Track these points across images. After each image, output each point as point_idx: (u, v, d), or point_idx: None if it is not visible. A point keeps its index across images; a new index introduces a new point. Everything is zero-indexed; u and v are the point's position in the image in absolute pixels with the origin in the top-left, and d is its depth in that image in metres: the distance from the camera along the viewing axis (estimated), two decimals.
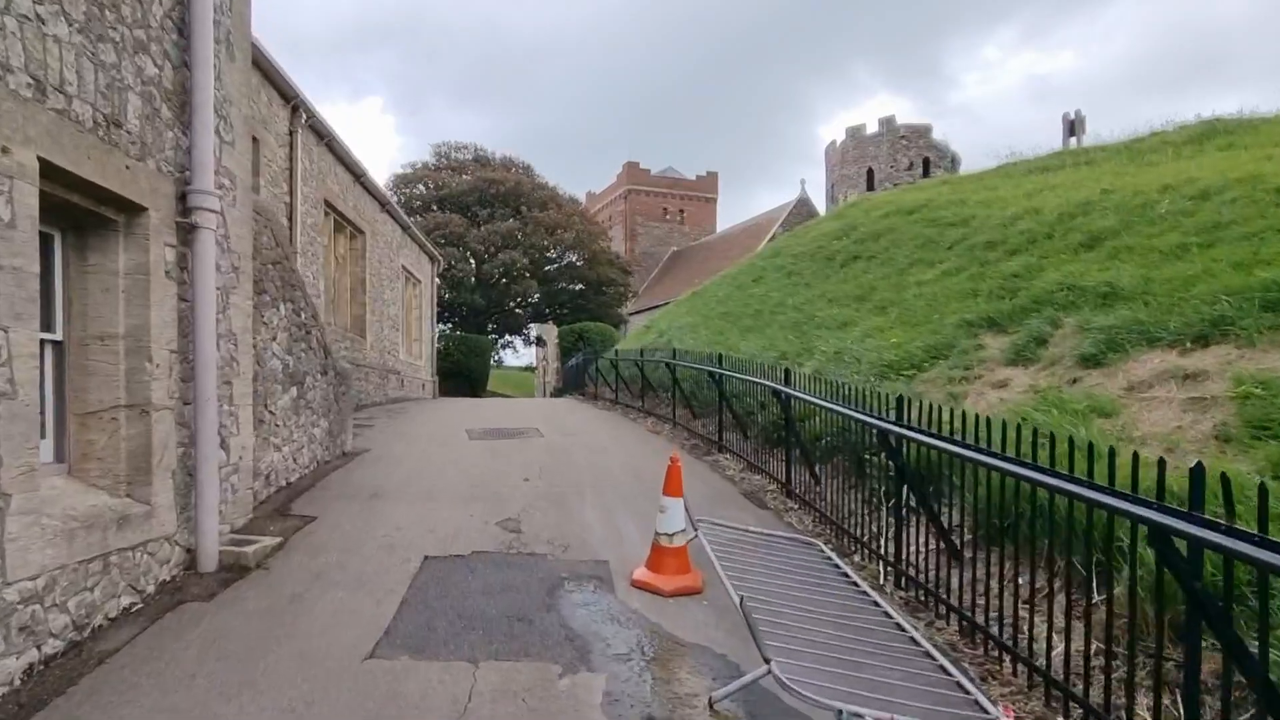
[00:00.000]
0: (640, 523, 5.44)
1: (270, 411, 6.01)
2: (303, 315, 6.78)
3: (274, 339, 6.09)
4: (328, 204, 12.70)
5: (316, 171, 12.08)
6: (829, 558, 4.76)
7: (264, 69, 9.90)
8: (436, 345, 31.10)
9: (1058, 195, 8.86)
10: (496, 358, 40.59)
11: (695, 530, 4.46)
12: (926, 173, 43.90)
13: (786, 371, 6.39)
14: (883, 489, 4.97)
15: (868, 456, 5.19)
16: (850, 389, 5.37)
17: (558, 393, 39.34)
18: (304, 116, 11.11)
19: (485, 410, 13.90)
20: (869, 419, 4.60)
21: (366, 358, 14.77)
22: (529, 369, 55.01)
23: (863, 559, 4.82)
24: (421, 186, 36.31)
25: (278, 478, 6.18)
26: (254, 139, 9.81)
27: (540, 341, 47.75)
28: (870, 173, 44.41)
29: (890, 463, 4.54)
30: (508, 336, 40.27)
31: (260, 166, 9.99)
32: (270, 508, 5.71)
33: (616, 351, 13.73)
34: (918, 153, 43.73)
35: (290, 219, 10.93)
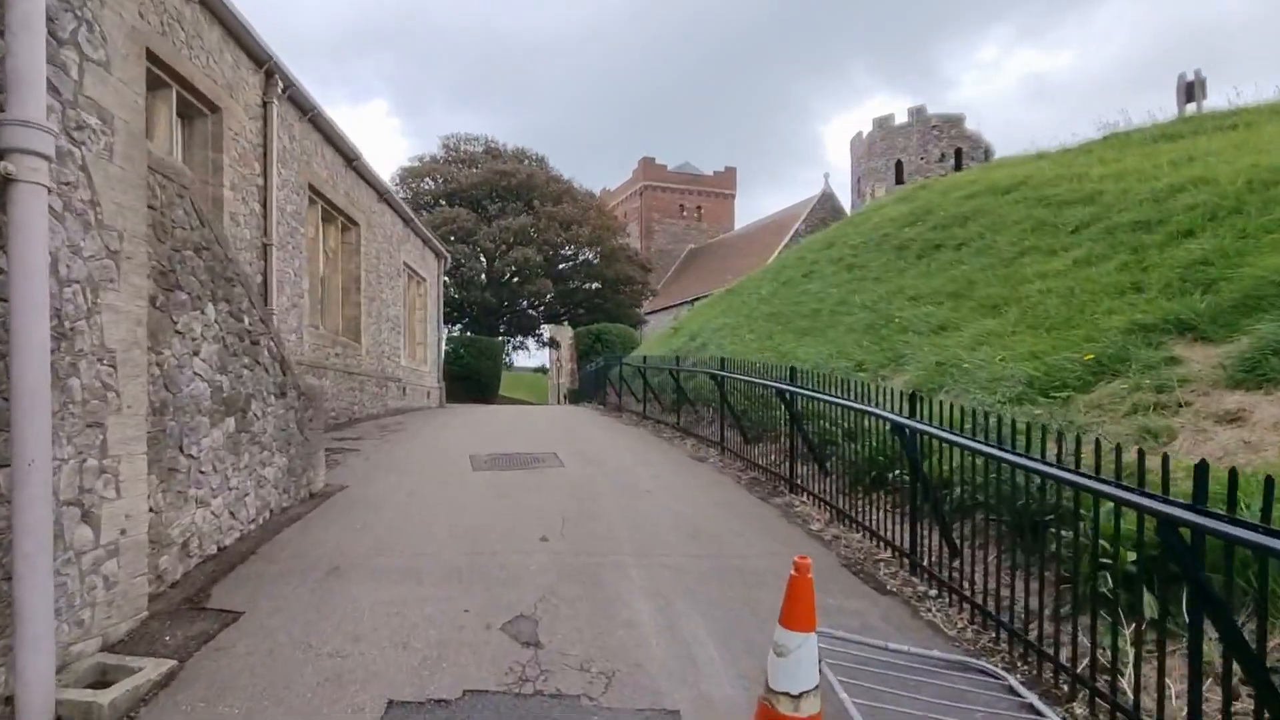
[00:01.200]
0: (715, 624, 3.69)
1: (190, 455, 4.31)
2: (246, 320, 5.08)
3: (195, 353, 4.39)
4: (313, 190, 11.05)
5: (299, 152, 10.42)
6: (1022, 699, 3.01)
7: (226, 23, 8.24)
8: (444, 348, 29.55)
9: (1228, 162, 6.98)
10: (508, 359, 38.98)
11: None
12: (959, 164, 41.73)
13: (913, 398, 4.59)
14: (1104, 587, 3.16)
15: (1060, 530, 3.41)
16: (1003, 424, 3.61)
17: (572, 396, 37.63)
18: (280, 85, 9.44)
19: (494, 424, 12.20)
20: (1112, 490, 2.81)
21: (361, 365, 13.12)
22: (541, 371, 53.45)
23: (1080, 703, 3.01)
24: (430, 181, 34.66)
25: (203, 544, 4.48)
26: (213, 106, 8.17)
27: (554, 343, 46.05)
28: (899, 165, 42.31)
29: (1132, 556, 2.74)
30: (520, 338, 38.62)
31: (225, 141, 8.34)
32: (182, 594, 4.01)
33: (645, 359, 11.98)
34: (950, 143, 41.58)
35: (264, 204, 9.27)
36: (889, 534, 4.81)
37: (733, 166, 64.70)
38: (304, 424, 6.07)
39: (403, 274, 16.41)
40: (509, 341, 38.14)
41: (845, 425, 5.74)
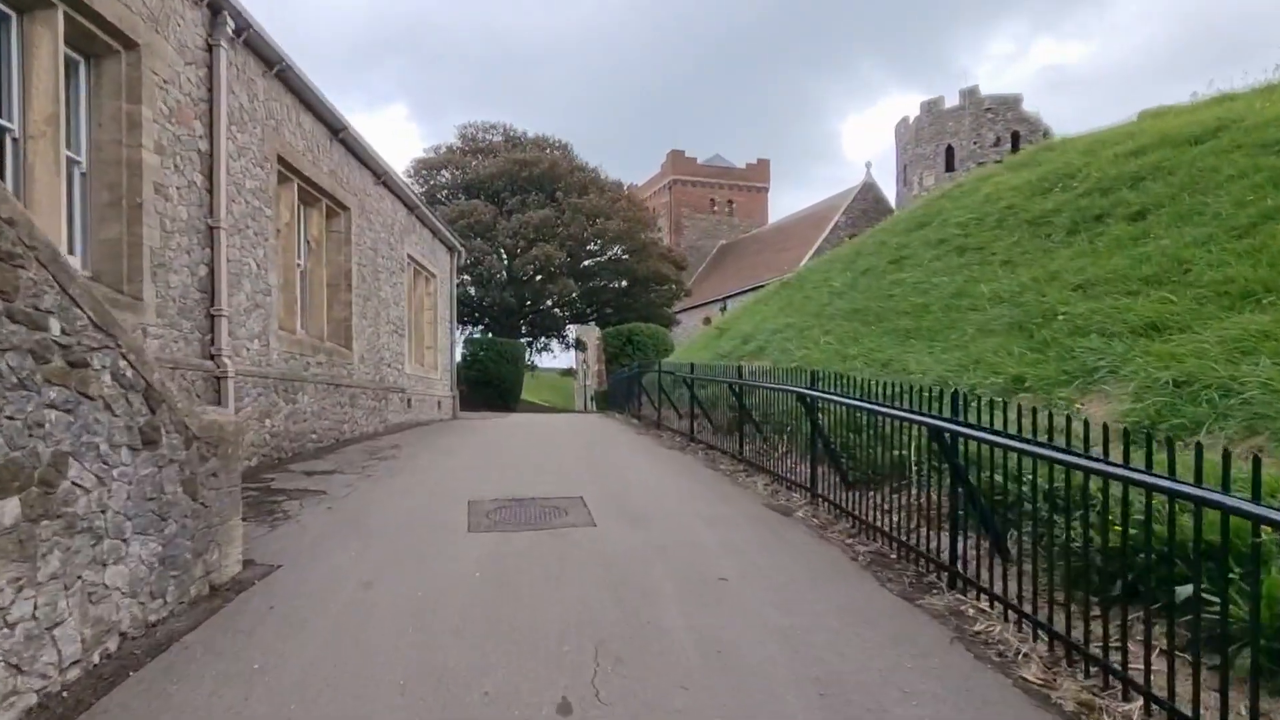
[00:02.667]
0: None
1: None
2: (53, 326, 2.97)
3: None
4: (285, 164, 9.03)
5: (263, 115, 8.41)
6: None
7: None
8: (461, 352, 27.65)
9: None
10: (530, 362, 37.00)
11: None
12: (1015, 149, 38.63)
13: (1256, 464, 2.30)
14: None
15: None
16: None
17: (600, 401, 35.53)
18: (230, 25, 7.41)
19: (509, 446, 10.09)
20: None
21: (353, 375, 11.10)
22: (567, 373, 51.56)
23: None
24: (446, 173, 32.71)
25: None
26: (127, 40, 6.13)
27: (580, 345, 43.97)
28: (949, 150, 39.40)
29: None
30: (543, 339, 36.57)
31: (146, 89, 6.31)
32: None
33: (692, 367, 9.75)
34: (1005, 126, 38.54)
35: (210, 176, 7.26)
36: (1136, 674, 2.50)
37: (765, 158, 62.16)
38: (199, 483, 3.96)
39: (407, 269, 14.41)
40: (532, 343, 36.14)
41: (1048, 484, 3.45)
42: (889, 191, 45.85)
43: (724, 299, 49.37)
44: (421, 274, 15.79)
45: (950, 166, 39.59)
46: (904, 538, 4.58)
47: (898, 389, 4.83)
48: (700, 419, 9.89)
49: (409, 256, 14.34)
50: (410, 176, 32.16)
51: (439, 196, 31.77)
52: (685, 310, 45.29)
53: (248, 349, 7.98)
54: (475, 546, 4.96)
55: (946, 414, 4.25)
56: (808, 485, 6.07)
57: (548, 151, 31.54)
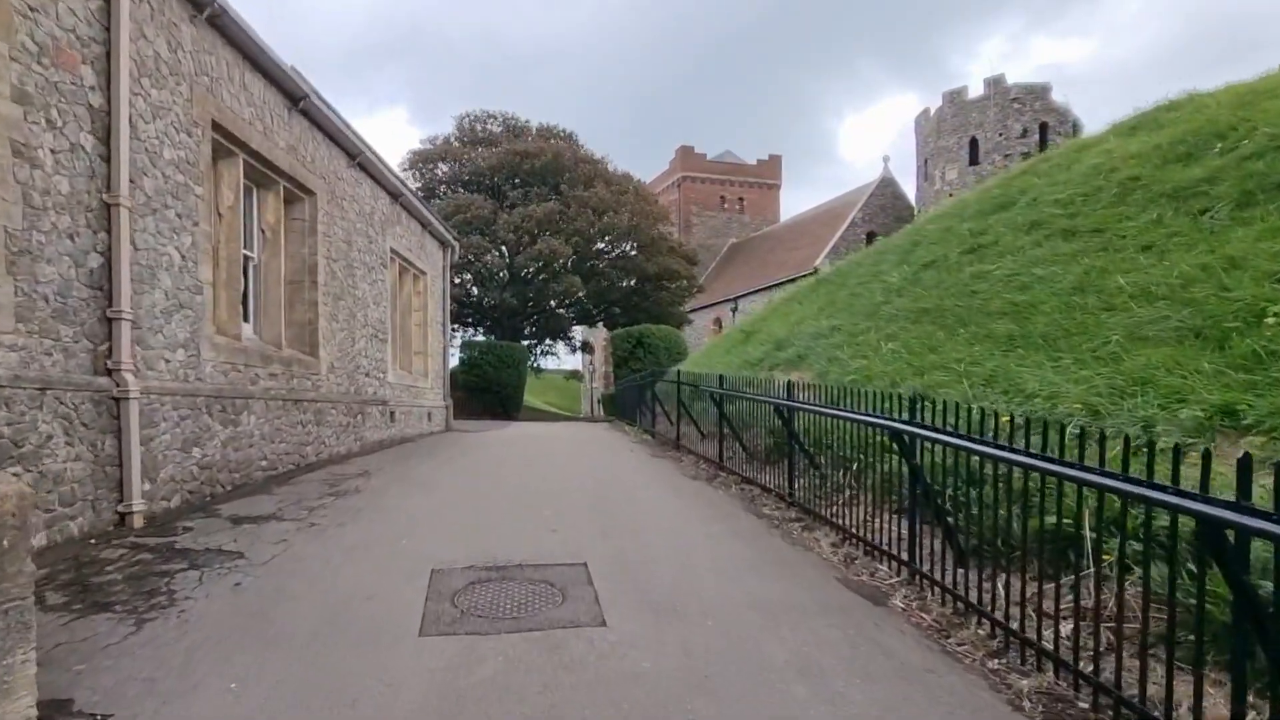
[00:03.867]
0: None
1: None
2: None
3: None
4: (224, 133, 7.40)
5: (190, 70, 6.77)
6: None
7: None
8: (459, 356, 26.00)
9: None
10: (535, 364, 35.33)
11: None
12: (1044, 141, 36.71)
13: None
14: None
15: None
16: None
17: (607, 404, 33.75)
18: None
19: (499, 478, 8.44)
20: None
21: (320, 388, 9.47)
22: (573, 375, 49.93)
23: None
24: (444, 166, 30.99)
25: None
26: None
27: (587, 347, 42.28)
28: (974, 143, 37.49)
29: None
30: (548, 341, 34.87)
31: None
32: None
33: (722, 380, 8.06)
34: (1033, 117, 36.60)
35: (107, 139, 5.62)
36: None
37: (777, 154, 60.33)
38: None
39: (390, 265, 12.78)
40: (536, 345, 34.47)
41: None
42: (910, 185, 43.98)
43: (735, 298, 47.59)
44: (409, 271, 14.16)
45: (974, 160, 37.73)
46: (1067, 659, 2.87)
47: (1041, 431, 3.13)
48: (729, 439, 8.21)
49: (392, 251, 12.71)
50: (405, 170, 30.53)
51: (437, 192, 30.10)
52: (695, 310, 43.59)
53: (167, 361, 6.34)
54: (425, 670, 3.29)
55: (1194, 483, 2.54)
56: (901, 556, 4.37)
57: (552, 142, 29.79)
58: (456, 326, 32.42)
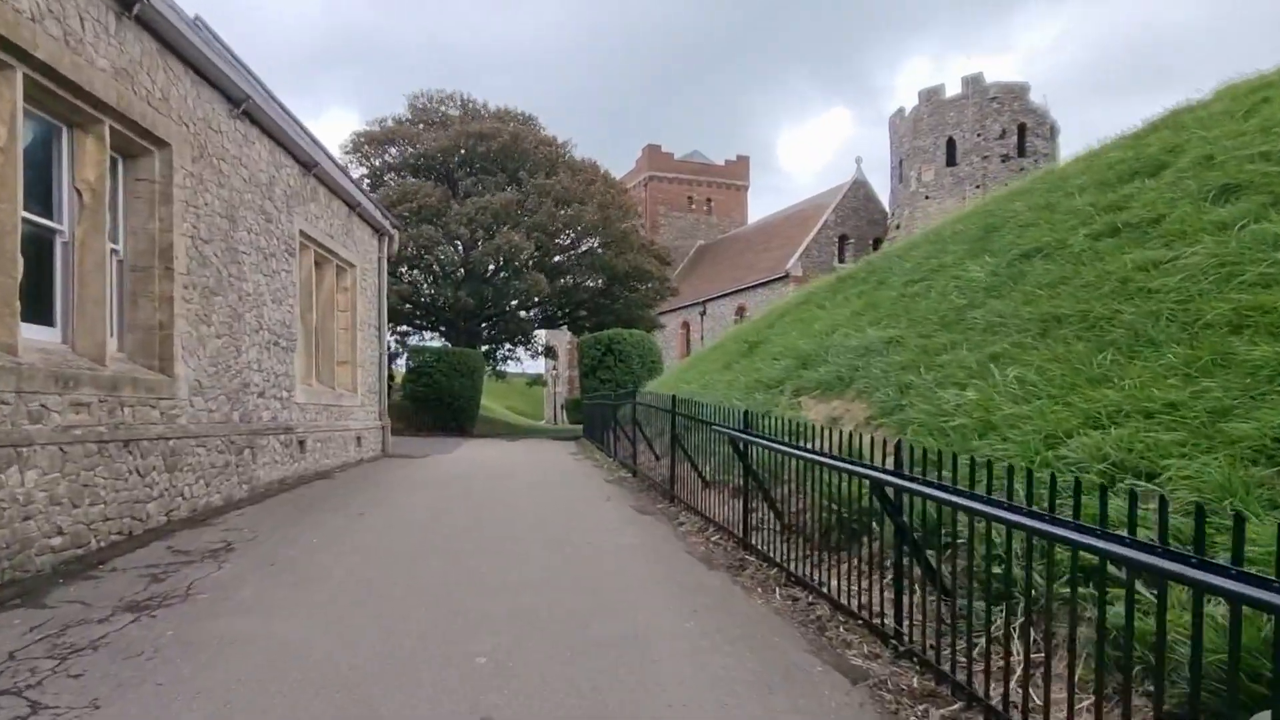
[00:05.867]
0: None
1: None
2: None
3: None
4: None
5: None
6: None
7: None
8: (406, 364, 23.18)
9: None
10: (497, 367, 32.47)
11: None
12: (1022, 143, 35.60)
13: None
14: None
15: None
16: None
17: (570, 410, 30.88)
18: None
19: (423, 555, 5.93)
20: None
21: (177, 418, 6.75)
22: (536, 381, 47.17)
23: None
24: (393, 150, 27.93)
25: None
26: None
27: (550, 352, 39.57)
28: (950, 143, 36.13)
29: None
30: (508, 346, 32.07)
31: None
32: None
33: (746, 418, 5.71)
34: (1011, 118, 35.39)
35: None
36: None
37: (745, 155, 58.68)
38: None
39: (302, 253, 10.08)
40: (496, 350, 31.62)
41: None
42: (884, 187, 42.60)
43: (704, 302, 45.51)
44: (330, 262, 11.45)
45: (952, 160, 36.40)
46: None
47: None
48: (754, 494, 5.85)
49: (304, 235, 10.01)
50: (348, 154, 27.39)
51: (384, 179, 27.05)
52: (662, 314, 41.38)
53: None
54: None
55: None
56: None
57: (509, 124, 26.97)
58: (405, 329, 29.39)
